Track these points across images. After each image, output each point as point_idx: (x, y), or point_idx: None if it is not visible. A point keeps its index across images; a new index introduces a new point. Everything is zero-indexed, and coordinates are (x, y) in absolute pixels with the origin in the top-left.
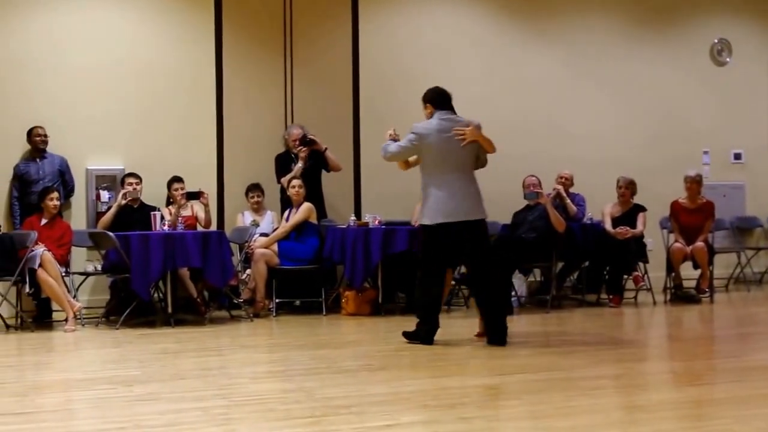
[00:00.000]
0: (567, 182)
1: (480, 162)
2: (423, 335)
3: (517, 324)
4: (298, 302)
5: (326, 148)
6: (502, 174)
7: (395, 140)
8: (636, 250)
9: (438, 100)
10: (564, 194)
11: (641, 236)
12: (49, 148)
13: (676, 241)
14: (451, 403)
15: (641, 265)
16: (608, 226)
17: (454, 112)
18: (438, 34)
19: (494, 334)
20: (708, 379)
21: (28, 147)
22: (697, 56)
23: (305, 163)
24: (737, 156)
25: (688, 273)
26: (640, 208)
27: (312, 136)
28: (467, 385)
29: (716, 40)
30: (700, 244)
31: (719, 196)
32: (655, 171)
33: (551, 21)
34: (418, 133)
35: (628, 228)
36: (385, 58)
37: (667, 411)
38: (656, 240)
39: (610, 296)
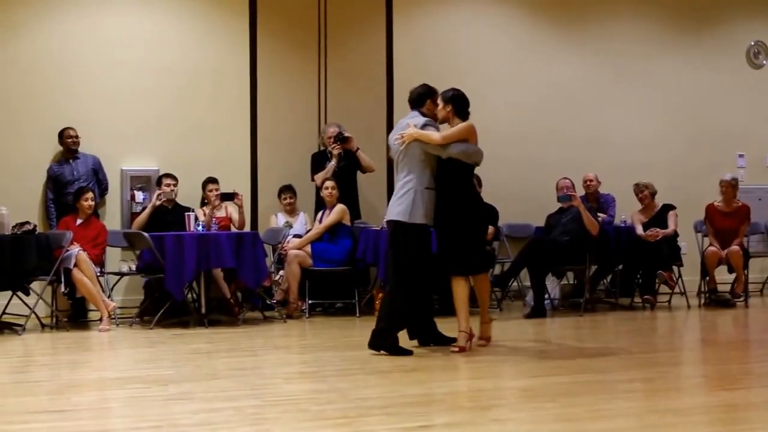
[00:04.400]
0: (593, 184)
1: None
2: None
3: (551, 327)
4: (340, 304)
5: (358, 149)
6: (535, 177)
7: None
8: (669, 252)
9: (409, 101)
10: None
11: (675, 236)
12: (86, 149)
13: (710, 244)
14: (485, 404)
15: (675, 268)
16: (639, 230)
17: (419, 113)
18: (471, 36)
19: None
20: (742, 384)
21: (59, 148)
22: (733, 59)
23: (338, 160)
24: None
25: (723, 277)
26: (669, 207)
27: (347, 134)
28: (501, 387)
29: (752, 43)
30: (735, 247)
31: (755, 199)
32: (690, 174)
33: (584, 24)
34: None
35: (657, 229)
36: (419, 60)
37: (701, 415)
38: (691, 243)
39: (645, 297)
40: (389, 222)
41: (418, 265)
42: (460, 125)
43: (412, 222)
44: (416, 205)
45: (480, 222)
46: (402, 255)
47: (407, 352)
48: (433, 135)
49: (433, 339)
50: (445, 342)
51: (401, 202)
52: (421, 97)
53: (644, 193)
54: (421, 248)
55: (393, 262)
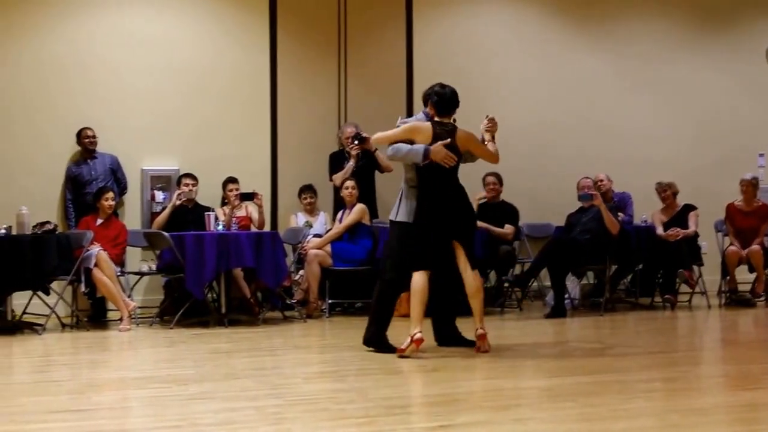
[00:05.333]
0: (604, 184)
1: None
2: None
3: (571, 327)
4: (360, 304)
5: (376, 149)
6: (553, 175)
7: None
8: (689, 251)
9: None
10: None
11: (695, 236)
12: (106, 149)
13: (731, 244)
14: (505, 404)
15: (696, 268)
16: (659, 230)
17: (424, 113)
18: (491, 35)
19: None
20: (763, 383)
21: (78, 148)
22: (752, 58)
23: (357, 161)
24: None
25: (744, 276)
26: (690, 208)
27: (364, 135)
28: (521, 387)
29: None
30: (755, 247)
31: None
32: (710, 173)
33: (603, 22)
34: None
35: (678, 229)
36: (439, 60)
37: (722, 414)
38: (711, 243)
39: (665, 296)
40: None
41: (398, 262)
42: (401, 127)
43: (396, 220)
44: (401, 204)
45: (426, 223)
46: (385, 253)
47: (390, 350)
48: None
49: (453, 340)
50: (466, 344)
51: (397, 202)
52: (425, 98)
53: (667, 192)
54: (402, 246)
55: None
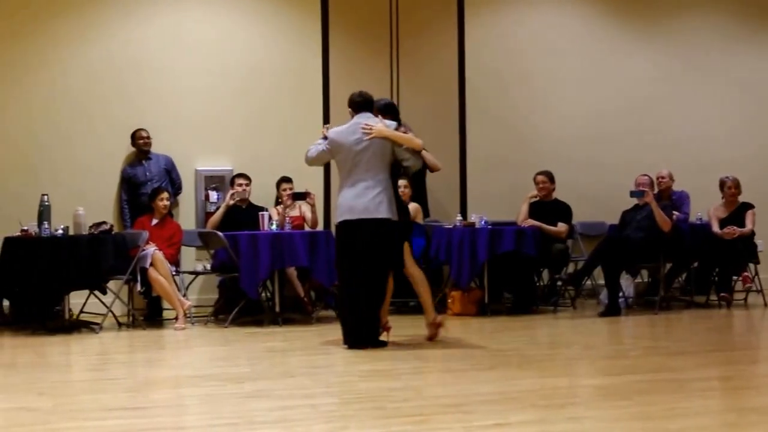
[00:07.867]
0: (665, 182)
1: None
2: (344, 336)
3: (625, 325)
4: (413, 302)
5: (423, 148)
6: (608, 174)
7: (325, 138)
8: (745, 250)
9: (357, 103)
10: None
11: (752, 235)
12: (161, 150)
13: None
14: (560, 402)
15: (752, 266)
16: (715, 227)
17: (375, 115)
18: (543, 35)
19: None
20: None
21: (132, 149)
22: None
23: None
24: None
25: None
26: (748, 206)
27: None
28: (576, 385)
29: None
30: None
31: None
32: (766, 172)
33: (658, 20)
34: (330, 138)
35: (735, 227)
36: (491, 59)
37: None
38: (767, 241)
39: (721, 294)
40: (363, 220)
41: (398, 261)
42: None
43: (396, 219)
44: (392, 203)
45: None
46: (384, 252)
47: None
48: (416, 140)
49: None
50: None
51: (380, 200)
52: (369, 104)
53: (735, 190)
54: (400, 245)
55: (368, 260)
